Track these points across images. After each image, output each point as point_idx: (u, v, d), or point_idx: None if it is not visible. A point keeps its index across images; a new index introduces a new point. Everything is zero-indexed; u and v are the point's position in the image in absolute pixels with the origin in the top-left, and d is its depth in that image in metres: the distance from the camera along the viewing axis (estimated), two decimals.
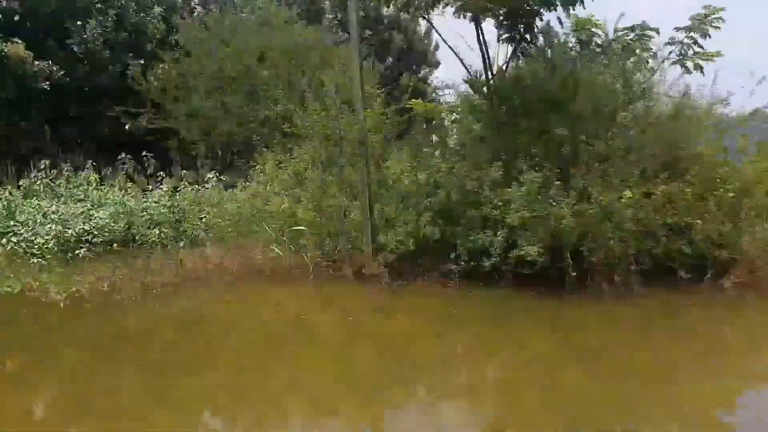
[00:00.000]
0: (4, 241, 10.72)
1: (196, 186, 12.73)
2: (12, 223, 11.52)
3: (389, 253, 8.67)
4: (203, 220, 11.38)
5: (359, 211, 9.36)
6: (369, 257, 8.88)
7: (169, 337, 7.36)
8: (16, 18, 18.15)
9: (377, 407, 5.24)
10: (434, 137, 11.07)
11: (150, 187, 13.56)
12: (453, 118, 11.13)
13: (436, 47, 33.04)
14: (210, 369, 5.97)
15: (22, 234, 10.89)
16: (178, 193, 12.01)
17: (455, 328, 7.18)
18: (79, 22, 18.89)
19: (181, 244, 10.53)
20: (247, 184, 12.43)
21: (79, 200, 12.71)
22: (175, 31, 19.58)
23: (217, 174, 13.84)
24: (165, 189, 12.07)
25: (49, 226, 10.77)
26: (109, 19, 18.92)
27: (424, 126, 11.50)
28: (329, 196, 9.71)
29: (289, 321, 7.82)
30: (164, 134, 19.58)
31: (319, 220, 9.62)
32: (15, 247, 10.66)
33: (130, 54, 19.06)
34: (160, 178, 13.05)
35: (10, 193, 12.94)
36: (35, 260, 10.13)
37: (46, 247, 10.38)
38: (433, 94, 33.89)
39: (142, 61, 18.64)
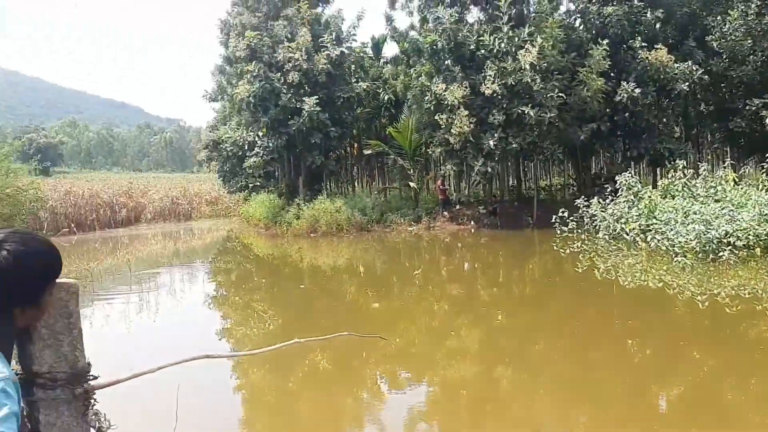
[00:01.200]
0: (648, 237, 11.54)
1: None
2: (653, 221, 12.29)
3: None
4: None
5: None
6: None
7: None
8: (658, 26, 19.15)
9: None
10: None
11: None
12: None
13: None
14: None
15: (664, 232, 11.42)
16: None
17: None
18: (719, 17, 18.37)
19: None
20: None
21: (716, 200, 12.36)
22: None
23: None
24: None
25: (690, 225, 10.87)
26: (752, 6, 17.55)
27: None
28: None
29: None
30: None
31: None
32: (658, 245, 11.31)
33: None
34: None
35: (650, 193, 13.79)
36: (678, 259, 10.46)
37: (688, 247, 10.55)
38: None
39: None
